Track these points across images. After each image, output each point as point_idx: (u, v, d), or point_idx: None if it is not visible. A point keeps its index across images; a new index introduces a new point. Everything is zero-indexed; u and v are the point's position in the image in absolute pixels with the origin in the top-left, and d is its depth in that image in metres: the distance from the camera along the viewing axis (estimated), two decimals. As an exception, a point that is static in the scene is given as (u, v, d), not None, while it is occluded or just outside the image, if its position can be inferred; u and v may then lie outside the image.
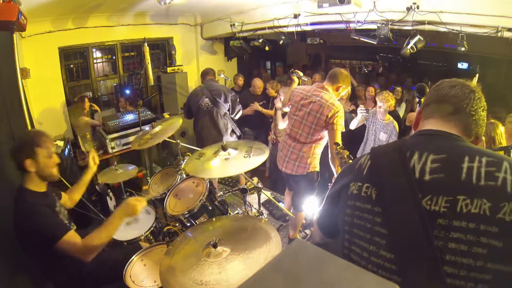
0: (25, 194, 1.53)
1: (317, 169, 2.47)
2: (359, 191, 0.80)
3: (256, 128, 4.44)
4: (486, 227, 0.62)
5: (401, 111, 4.13)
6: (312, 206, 2.63)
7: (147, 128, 3.09)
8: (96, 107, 4.15)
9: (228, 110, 3.40)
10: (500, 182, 0.64)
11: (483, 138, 2.38)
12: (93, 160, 2.06)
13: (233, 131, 3.46)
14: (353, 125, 3.21)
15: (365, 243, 0.76)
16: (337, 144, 1.77)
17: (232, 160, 1.63)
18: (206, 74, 3.50)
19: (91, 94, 4.96)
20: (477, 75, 2.36)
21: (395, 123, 3.13)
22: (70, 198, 1.93)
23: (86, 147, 3.67)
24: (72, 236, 1.48)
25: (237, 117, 3.58)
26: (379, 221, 0.74)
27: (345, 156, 1.51)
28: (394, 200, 0.72)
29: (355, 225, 0.79)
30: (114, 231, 1.52)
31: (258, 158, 1.62)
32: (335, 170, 2.17)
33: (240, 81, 5.10)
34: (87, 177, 2.05)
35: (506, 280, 0.61)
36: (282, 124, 2.91)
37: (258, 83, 4.38)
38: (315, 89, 2.35)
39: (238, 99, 3.51)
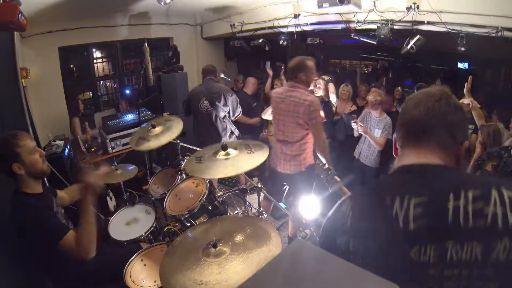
0: (24, 198, 1.51)
1: (313, 161, 2.54)
2: (346, 246, 0.72)
3: (247, 133, 4.26)
4: (480, 271, 0.58)
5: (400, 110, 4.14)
6: (311, 206, 2.63)
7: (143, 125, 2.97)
8: (88, 134, 4.06)
9: (228, 113, 3.31)
10: (489, 219, 0.59)
11: (478, 138, 2.41)
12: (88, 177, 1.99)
13: (232, 133, 3.42)
14: (355, 133, 3.23)
15: None
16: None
17: (236, 158, 1.62)
18: (208, 72, 3.37)
19: (91, 94, 4.97)
20: (471, 77, 2.35)
21: (388, 118, 3.17)
22: (69, 196, 1.88)
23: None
24: (71, 236, 1.47)
25: (236, 119, 3.47)
26: None
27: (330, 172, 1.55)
28: (381, 255, 0.66)
29: None
30: (92, 216, 1.48)
31: (261, 153, 1.63)
32: (325, 160, 2.34)
33: (240, 83, 5.09)
34: (75, 189, 1.98)
35: None
36: None
37: (250, 81, 4.37)
38: (287, 90, 2.40)
39: (238, 101, 3.41)
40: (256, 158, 1.59)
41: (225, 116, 3.27)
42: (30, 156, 1.49)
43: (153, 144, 2.25)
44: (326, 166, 2.24)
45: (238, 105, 3.39)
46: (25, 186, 1.52)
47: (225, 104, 3.24)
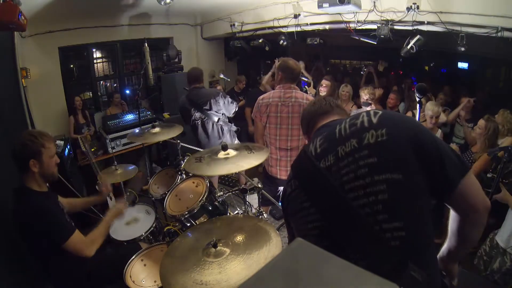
0: (30, 194, 1.53)
1: None
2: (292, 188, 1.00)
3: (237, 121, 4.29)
4: (359, 153, 0.83)
5: (400, 110, 4.14)
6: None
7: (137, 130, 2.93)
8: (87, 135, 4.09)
9: (223, 114, 3.21)
10: (359, 124, 0.88)
11: (479, 130, 2.55)
12: (106, 187, 2.05)
13: (230, 132, 3.34)
14: None
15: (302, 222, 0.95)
16: None
17: (235, 157, 1.62)
18: (192, 80, 3.17)
19: (91, 94, 4.97)
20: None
21: None
22: (70, 206, 1.90)
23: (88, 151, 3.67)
24: (77, 235, 1.52)
25: (233, 115, 3.37)
26: (305, 197, 0.94)
27: None
28: (306, 177, 0.95)
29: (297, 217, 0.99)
30: (109, 228, 1.79)
31: (261, 153, 1.64)
32: None
33: (243, 84, 5.08)
34: (94, 200, 2.10)
35: (401, 186, 0.80)
36: None
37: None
38: (285, 92, 2.34)
39: (228, 97, 3.27)
40: (256, 157, 1.60)
41: (219, 119, 3.18)
42: (49, 159, 1.56)
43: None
44: None
45: (231, 101, 3.27)
46: (34, 183, 1.55)
47: (217, 108, 3.13)
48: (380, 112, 0.90)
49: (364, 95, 3.28)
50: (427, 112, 2.81)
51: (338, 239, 0.83)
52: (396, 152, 0.82)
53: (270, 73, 4.19)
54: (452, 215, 0.94)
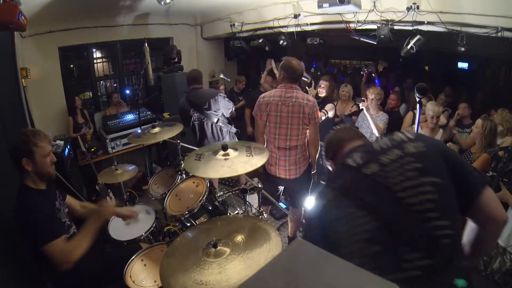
0: (25, 191, 1.53)
1: (309, 161, 2.56)
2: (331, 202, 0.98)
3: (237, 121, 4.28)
4: (405, 159, 0.90)
5: (401, 111, 4.13)
6: (310, 205, 2.64)
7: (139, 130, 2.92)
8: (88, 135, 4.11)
9: (222, 115, 3.20)
10: (397, 139, 0.98)
11: (477, 129, 2.57)
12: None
13: (229, 134, 3.34)
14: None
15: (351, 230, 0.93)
16: None
17: (234, 159, 1.62)
18: (191, 80, 3.18)
19: (91, 94, 4.97)
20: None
21: (385, 114, 3.24)
22: (74, 209, 1.87)
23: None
24: (60, 242, 1.45)
25: (230, 115, 3.36)
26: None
27: None
28: (351, 184, 0.97)
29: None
30: (93, 236, 1.55)
31: (260, 157, 1.62)
32: (315, 155, 2.51)
33: (242, 84, 5.07)
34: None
35: (444, 189, 0.87)
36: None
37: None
38: (286, 91, 2.34)
39: (226, 97, 3.29)
40: (253, 162, 1.57)
41: (218, 119, 3.17)
42: (42, 158, 1.54)
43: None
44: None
45: (228, 101, 3.28)
46: (30, 181, 1.55)
47: (216, 108, 3.13)
48: (412, 132, 1.00)
49: (370, 95, 3.23)
50: (428, 112, 2.81)
51: (392, 240, 0.84)
52: (434, 161, 0.92)
53: (265, 73, 4.20)
54: (470, 227, 0.99)
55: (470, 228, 0.99)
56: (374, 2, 3.15)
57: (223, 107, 3.18)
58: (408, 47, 3.20)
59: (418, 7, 2.88)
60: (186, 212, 2.01)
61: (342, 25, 3.55)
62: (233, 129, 3.35)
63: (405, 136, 0.98)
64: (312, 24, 3.87)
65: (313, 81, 4.24)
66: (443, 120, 3.34)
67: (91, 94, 4.96)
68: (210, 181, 2.26)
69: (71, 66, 4.65)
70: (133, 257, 1.77)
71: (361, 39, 3.65)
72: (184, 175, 2.43)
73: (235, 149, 1.69)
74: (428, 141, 0.97)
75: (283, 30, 4.21)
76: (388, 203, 0.87)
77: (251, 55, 5.46)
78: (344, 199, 0.93)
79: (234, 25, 4.76)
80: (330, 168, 1.30)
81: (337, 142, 1.22)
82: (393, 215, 0.86)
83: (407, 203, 0.85)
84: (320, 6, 3.19)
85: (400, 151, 0.93)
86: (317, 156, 2.50)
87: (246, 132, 4.52)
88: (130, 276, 1.66)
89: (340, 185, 0.99)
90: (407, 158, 0.91)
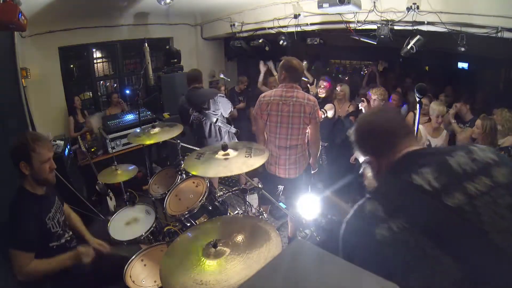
0: (20, 193, 1.53)
1: (308, 160, 2.57)
2: (389, 231, 0.75)
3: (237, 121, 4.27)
4: (496, 192, 0.74)
5: (402, 112, 4.13)
6: (310, 206, 2.63)
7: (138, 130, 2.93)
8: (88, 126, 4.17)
9: (221, 115, 3.20)
10: (480, 159, 0.80)
11: (477, 130, 2.58)
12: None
13: (228, 133, 3.32)
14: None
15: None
16: None
17: (233, 160, 1.62)
18: (192, 80, 3.19)
19: (91, 94, 4.97)
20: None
21: None
22: (68, 219, 1.87)
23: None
24: (27, 257, 1.45)
25: (229, 115, 3.38)
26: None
27: None
28: (431, 218, 0.76)
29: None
30: (60, 267, 1.56)
31: (258, 159, 1.62)
32: (317, 154, 2.55)
33: (243, 85, 5.07)
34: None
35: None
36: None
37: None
38: (286, 91, 2.34)
39: (225, 97, 3.31)
40: (250, 163, 1.57)
41: (217, 119, 3.16)
42: (40, 164, 1.52)
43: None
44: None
45: (228, 101, 3.28)
46: (27, 184, 1.55)
47: (215, 108, 3.13)
48: (485, 147, 0.84)
49: (373, 95, 3.20)
50: (432, 112, 2.81)
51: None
52: None
53: (262, 76, 4.22)
54: None
55: None
56: (374, 2, 3.15)
57: (222, 108, 3.18)
58: (408, 47, 3.19)
59: (418, 7, 2.89)
60: (186, 212, 2.01)
61: (342, 25, 3.55)
62: (233, 129, 3.34)
63: (488, 157, 0.80)
64: (312, 24, 3.87)
65: (315, 80, 4.24)
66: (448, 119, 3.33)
67: (91, 94, 4.96)
68: (210, 181, 2.26)
69: (71, 66, 4.66)
70: (133, 257, 1.77)
71: (361, 39, 3.65)
72: (184, 175, 2.43)
73: (235, 150, 1.69)
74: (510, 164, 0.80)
75: (283, 30, 4.21)
76: (480, 249, 0.69)
77: (251, 55, 5.45)
78: (419, 236, 0.71)
79: (234, 25, 4.76)
80: (367, 171, 0.98)
81: (386, 134, 0.92)
82: (487, 264, 0.68)
83: (502, 249, 0.68)
84: (320, 6, 3.19)
85: (489, 180, 0.75)
86: (318, 155, 2.51)
87: (249, 131, 4.51)
88: (130, 276, 1.65)
89: (411, 214, 0.76)
90: (499, 190, 0.74)
